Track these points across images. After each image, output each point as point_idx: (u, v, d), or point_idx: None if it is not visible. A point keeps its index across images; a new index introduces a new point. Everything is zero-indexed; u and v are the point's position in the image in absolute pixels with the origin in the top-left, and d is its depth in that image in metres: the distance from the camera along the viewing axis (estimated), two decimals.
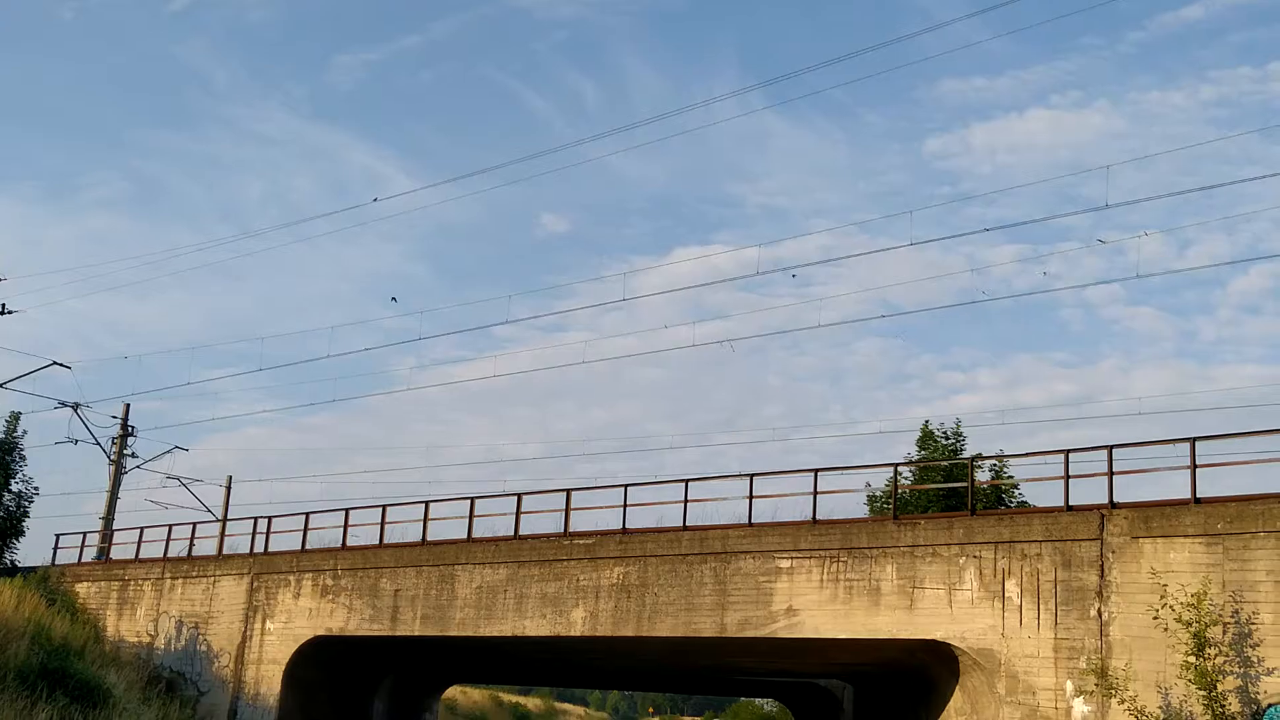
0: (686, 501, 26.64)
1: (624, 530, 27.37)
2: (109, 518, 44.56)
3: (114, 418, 46.53)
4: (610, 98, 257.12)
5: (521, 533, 29.22)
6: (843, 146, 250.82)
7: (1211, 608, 18.84)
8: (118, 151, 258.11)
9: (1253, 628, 18.73)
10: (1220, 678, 18.50)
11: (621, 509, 27.58)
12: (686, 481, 26.91)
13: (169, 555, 37.22)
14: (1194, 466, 20.37)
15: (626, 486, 27.85)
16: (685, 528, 26.28)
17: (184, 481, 47.21)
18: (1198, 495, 20.17)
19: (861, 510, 35.07)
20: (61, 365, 43.96)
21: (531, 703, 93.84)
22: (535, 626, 27.75)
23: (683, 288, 60.55)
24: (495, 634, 28.53)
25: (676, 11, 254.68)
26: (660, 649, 29.21)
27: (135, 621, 36.40)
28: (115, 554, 39.78)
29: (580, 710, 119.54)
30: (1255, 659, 18.60)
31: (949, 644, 22.26)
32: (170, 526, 38.05)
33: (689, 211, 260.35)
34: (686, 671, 40.82)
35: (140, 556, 38.10)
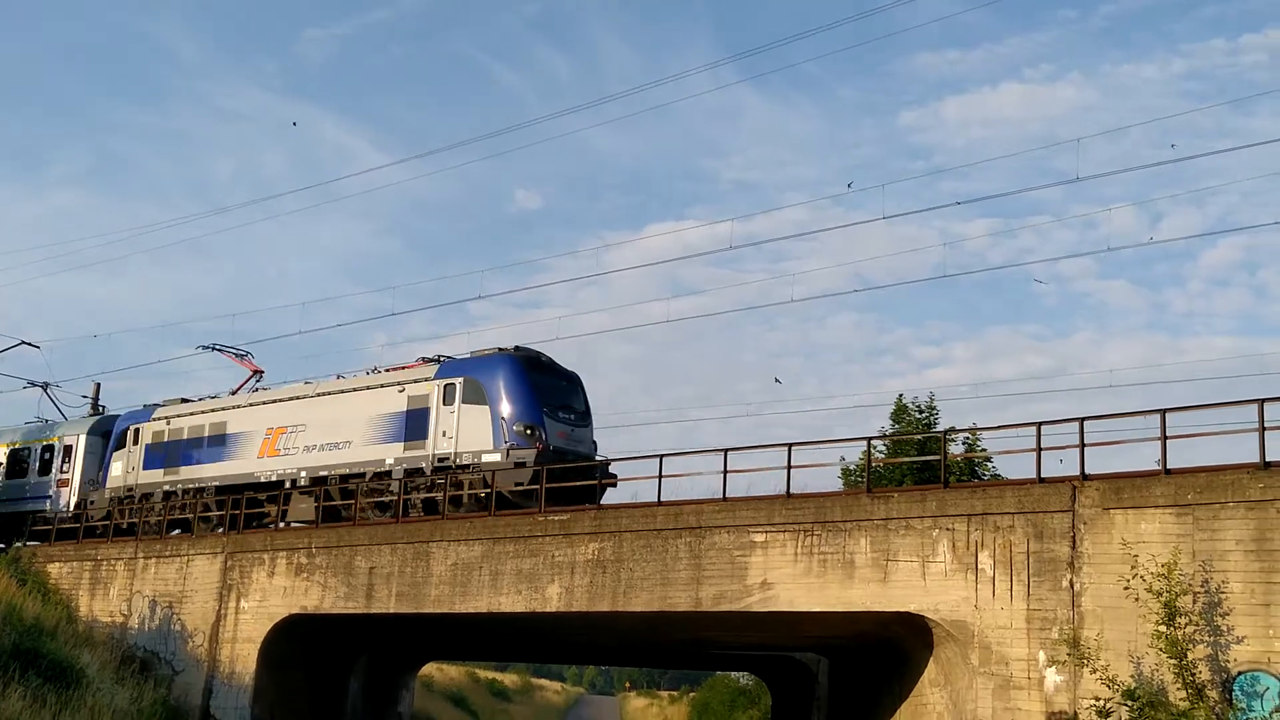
0: (661, 477, 26.73)
1: (599, 506, 27.40)
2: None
3: (84, 397, 46.38)
4: (583, 72, 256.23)
5: (496, 509, 29.23)
6: (816, 120, 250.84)
7: (1182, 577, 19.00)
8: (84, 127, 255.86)
9: (1222, 597, 18.91)
10: (1190, 646, 18.67)
11: (597, 484, 27.64)
12: (661, 457, 26.99)
13: (141, 534, 37.07)
14: (1164, 438, 20.52)
15: (601, 462, 27.89)
16: (660, 503, 26.33)
17: None
18: (1168, 466, 20.31)
19: (835, 484, 35.17)
20: (30, 345, 43.87)
21: (508, 679, 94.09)
22: (510, 603, 27.76)
23: (656, 263, 60.38)
24: (471, 610, 28.52)
25: None
26: (636, 624, 29.28)
27: (108, 601, 36.24)
28: (87, 534, 39.58)
29: (557, 685, 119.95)
30: (1225, 628, 18.78)
31: (923, 616, 22.40)
32: (142, 505, 37.92)
33: (663, 187, 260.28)
34: (662, 646, 40.98)
35: (113, 536, 37.95)
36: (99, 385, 46.86)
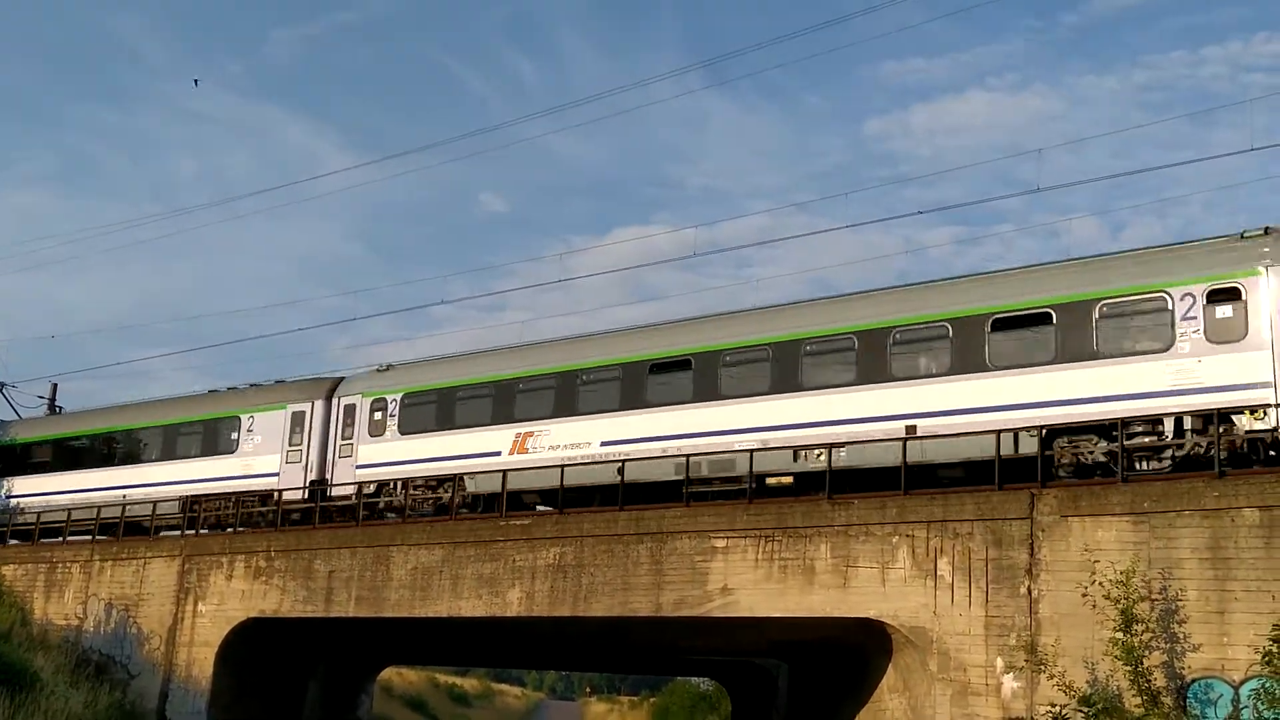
0: (623, 482, 26.71)
1: (561, 510, 27.37)
2: None
3: (41, 398, 45.99)
4: (550, 77, 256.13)
5: (458, 514, 29.13)
6: (782, 127, 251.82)
7: (1138, 585, 19.17)
8: (46, 126, 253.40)
9: (1178, 604, 19.09)
10: (1146, 653, 18.83)
11: (559, 490, 27.61)
12: (623, 462, 26.97)
13: (98, 537, 36.70)
14: (1122, 447, 20.74)
15: (563, 467, 27.87)
16: (622, 508, 26.32)
17: None
18: (1125, 475, 20.52)
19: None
20: None
21: (468, 683, 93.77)
22: (471, 607, 27.67)
23: (621, 268, 60.54)
24: (431, 615, 28.41)
25: None
26: (596, 629, 29.25)
27: (63, 604, 35.83)
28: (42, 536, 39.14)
29: (517, 690, 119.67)
30: (1180, 635, 18.96)
31: (882, 622, 22.48)
32: (99, 508, 37.54)
33: (628, 192, 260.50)
34: (623, 651, 40.95)
35: (68, 539, 37.55)
36: (56, 385, 46.42)
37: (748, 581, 23.92)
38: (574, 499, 27.60)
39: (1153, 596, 19.25)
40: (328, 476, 33.84)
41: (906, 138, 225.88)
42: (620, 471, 26.89)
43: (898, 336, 24.68)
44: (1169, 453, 21.35)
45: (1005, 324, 23.48)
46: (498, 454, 29.77)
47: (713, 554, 24.45)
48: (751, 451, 25.20)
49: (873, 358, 24.83)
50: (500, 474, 28.83)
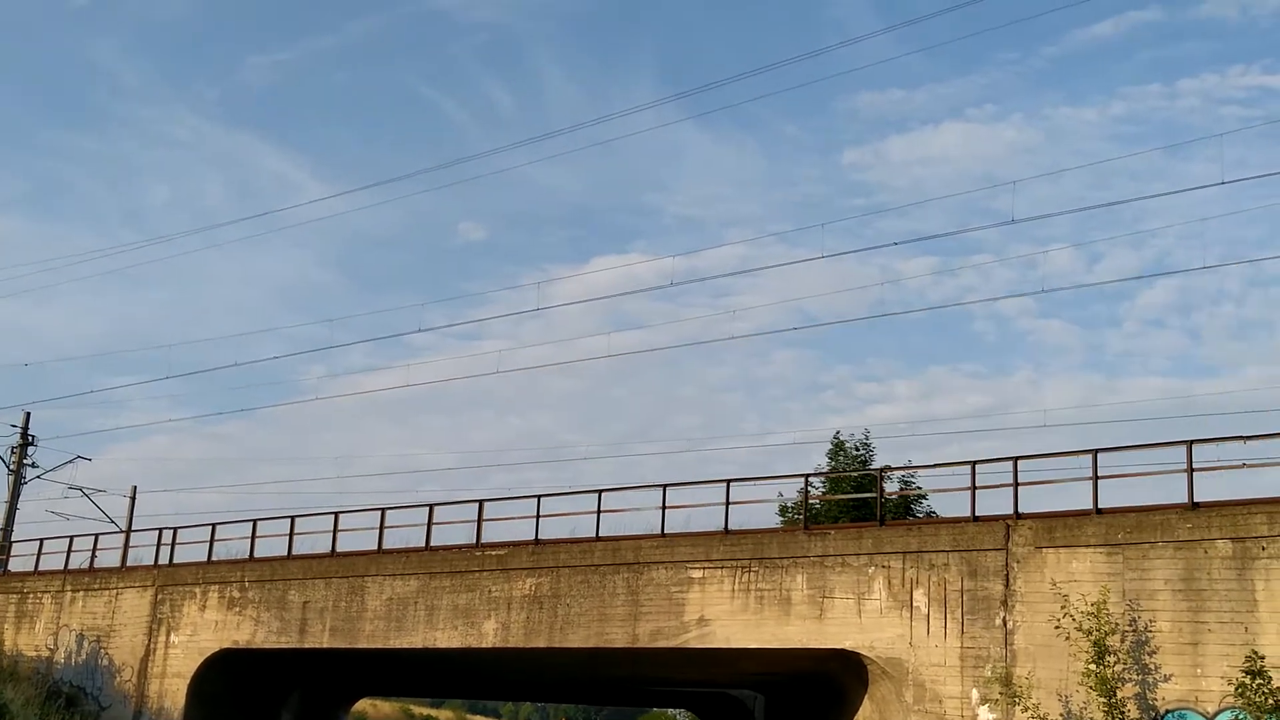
0: (600, 512, 26.67)
1: (536, 541, 27.29)
2: (8, 529, 43.56)
3: (13, 426, 45.53)
4: (526, 106, 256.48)
5: (433, 544, 29.01)
6: (760, 158, 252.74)
7: (1111, 616, 19.26)
8: (18, 150, 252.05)
9: (1151, 635, 19.17)
10: (1120, 685, 18.91)
11: (535, 519, 27.54)
12: (600, 492, 26.94)
13: (70, 567, 36.38)
14: (1095, 478, 20.83)
15: (540, 497, 27.82)
16: (598, 538, 26.27)
17: (86, 492, 46.24)
18: (1099, 506, 20.61)
19: (773, 521, 35.37)
20: None
21: (443, 715, 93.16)
22: (446, 638, 27.54)
23: (599, 297, 60.49)
24: (406, 646, 28.26)
25: (595, 18, 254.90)
26: (572, 660, 29.14)
27: (34, 635, 35.50)
28: (14, 566, 38.81)
29: None
30: (1153, 666, 19.04)
31: (858, 653, 22.49)
32: (71, 538, 37.25)
33: (606, 221, 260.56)
34: (599, 682, 40.79)
35: (40, 569, 37.22)
36: (29, 414, 46.08)
37: (724, 612, 23.90)
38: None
39: (1126, 628, 19.34)
40: None
41: (884, 168, 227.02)
42: (598, 501, 26.85)
43: None
44: None
45: None
46: None
47: (689, 585, 24.43)
48: (728, 481, 25.20)
49: None
50: (477, 504, 28.77)
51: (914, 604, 21.87)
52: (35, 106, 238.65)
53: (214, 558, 33.07)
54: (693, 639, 24.22)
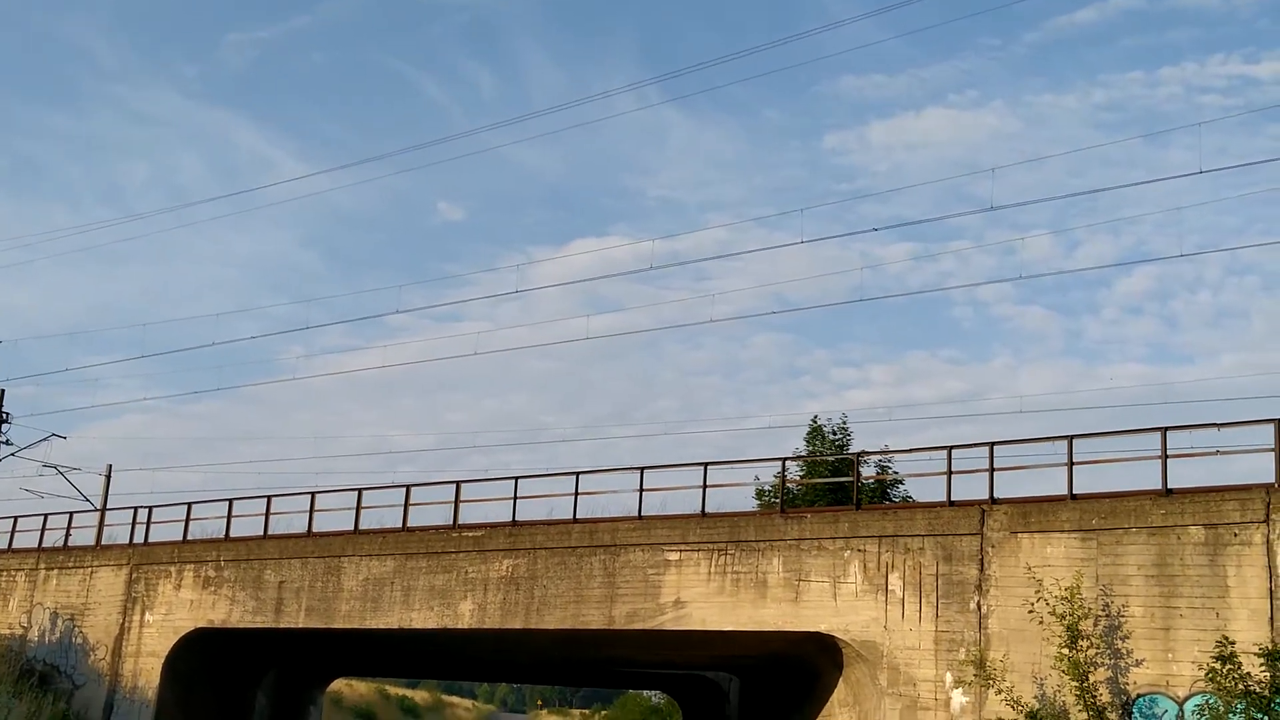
0: (577, 494, 26.68)
1: (514, 523, 27.30)
2: None
3: None
4: (507, 87, 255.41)
5: (410, 525, 28.99)
6: (741, 141, 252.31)
7: (1084, 601, 19.40)
8: None
9: (1123, 620, 19.33)
10: (1092, 669, 19.06)
11: (512, 501, 27.54)
12: (577, 474, 26.95)
13: (44, 545, 36.21)
14: (1070, 464, 20.95)
15: (517, 479, 27.81)
16: (575, 520, 26.29)
17: (61, 470, 45.91)
18: (1074, 492, 20.74)
19: (750, 504, 35.43)
20: None
21: (419, 695, 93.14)
22: (422, 619, 27.55)
23: (578, 280, 60.36)
24: (382, 626, 28.25)
25: (577, 1, 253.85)
26: (549, 641, 29.18)
27: (7, 613, 35.33)
28: None
29: (468, 703, 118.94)
30: (1125, 650, 19.20)
31: (833, 636, 22.60)
32: (46, 516, 37.08)
33: (586, 203, 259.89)
34: (575, 664, 40.86)
35: (13, 546, 37.03)
36: (3, 391, 45.72)
37: (700, 595, 23.97)
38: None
39: (1099, 613, 19.48)
40: None
41: (865, 153, 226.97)
42: (575, 483, 26.87)
43: None
44: None
45: None
46: None
47: (666, 567, 24.49)
48: (706, 465, 25.24)
49: None
50: (454, 485, 28.74)
51: (889, 587, 21.97)
52: (12, 84, 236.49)
53: (190, 537, 32.95)
54: (669, 621, 24.28)
